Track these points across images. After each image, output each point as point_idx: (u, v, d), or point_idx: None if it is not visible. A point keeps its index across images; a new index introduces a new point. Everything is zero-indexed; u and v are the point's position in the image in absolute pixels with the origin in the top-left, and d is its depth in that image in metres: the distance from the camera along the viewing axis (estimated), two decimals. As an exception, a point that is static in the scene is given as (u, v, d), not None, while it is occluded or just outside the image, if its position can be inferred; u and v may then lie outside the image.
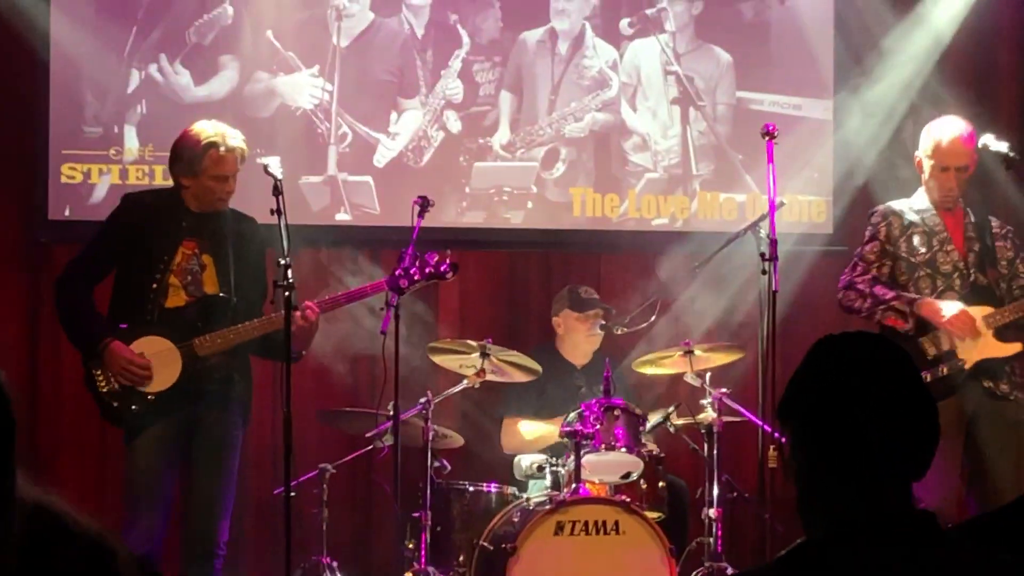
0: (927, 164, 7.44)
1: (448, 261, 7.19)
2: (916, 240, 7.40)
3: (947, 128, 7.49)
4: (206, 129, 7.01)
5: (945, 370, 7.19)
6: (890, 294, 7.31)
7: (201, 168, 6.93)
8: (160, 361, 6.80)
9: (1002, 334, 7.30)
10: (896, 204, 7.58)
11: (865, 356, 2.66)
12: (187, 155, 6.97)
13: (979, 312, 7.27)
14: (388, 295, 7.24)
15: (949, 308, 7.22)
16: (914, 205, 7.51)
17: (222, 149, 6.94)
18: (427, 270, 7.12)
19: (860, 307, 7.39)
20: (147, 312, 6.87)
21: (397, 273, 7.10)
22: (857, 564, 2.49)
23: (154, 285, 6.87)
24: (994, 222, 7.56)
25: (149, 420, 6.79)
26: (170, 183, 7.15)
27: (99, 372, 6.78)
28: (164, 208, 7.01)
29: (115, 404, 6.81)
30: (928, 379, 7.04)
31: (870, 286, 7.36)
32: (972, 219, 7.51)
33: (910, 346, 7.09)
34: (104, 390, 6.79)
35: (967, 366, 7.22)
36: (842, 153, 9.27)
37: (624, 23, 9.24)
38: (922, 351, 7.21)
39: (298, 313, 6.85)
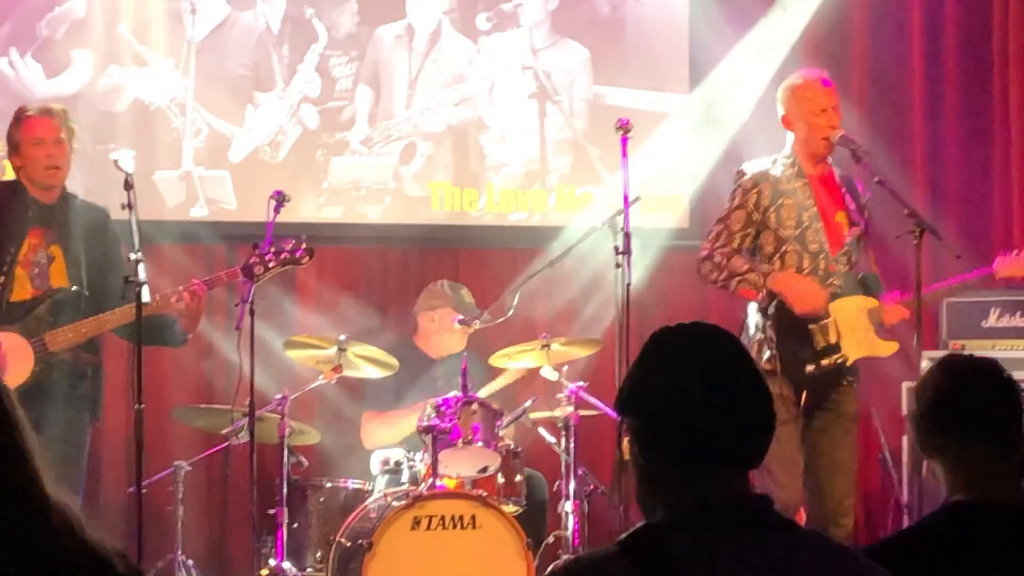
0: (797, 115, 7.29)
1: (303, 247, 7.12)
2: (786, 213, 7.21)
3: (803, 75, 7.45)
4: (25, 106, 7.11)
5: (827, 364, 7.16)
6: (745, 266, 7.17)
7: (20, 138, 6.95)
8: (14, 356, 6.75)
9: (884, 332, 7.29)
10: (767, 167, 7.33)
11: (697, 348, 2.68)
12: (8, 134, 7.04)
13: (863, 304, 7.22)
14: (243, 292, 7.21)
15: (774, 278, 7.15)
16: (784, 172, 7.29)
17: (31, 112, 6.99)
18: (282, 255, 7.07)
19: (716, 278, 7.21)
20: None
21: (252, 260, 7.04)
22: (692, 547, 2.51)
23: (1, 278, 6.80)
24: (861, 187, 7.44)
25: None
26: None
27: None
28: (8, 198, 6.97)
29: None
30: (812, 371, 7.06)
31: (727, 258, 7.21)
32: (843, 183, 7.40)
33: (801, 333, 7.10)
34: None
35: (848, 363, 7.17)
36: (699, 147, 9.31)
37: (481, 18, 9.27)
38: (812, 340, 7.17)
39: (184, 293, 6.83)
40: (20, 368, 6.74)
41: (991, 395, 3.51)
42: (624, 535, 2.57)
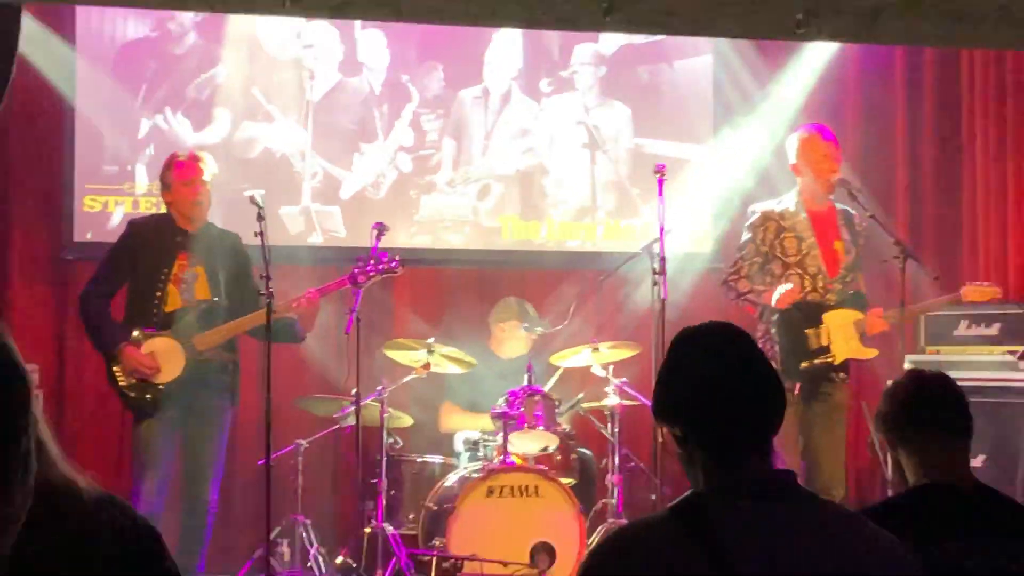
0: (804, 164, 7.40)
1: (396, 259, 7.22)
2: (787, 243, 7.37)
3: (808, 129, 7.52)
4: (176, 152, 7.19)
5: (819, 362, 7.22)
6: (747, 289, 7.37)
7: (170, 179, 7.03)
8: (167, 357, 6.83)
9: (867, 341, 7.34)
10: (771, 207, 7.49)
11: (714, 351, 2.65)
12: (161, 175, 7.11)
13: (850, 317, 7.29)
14: (351, 303, 7.28)
15: (777, 294, 7.20)
16: (788, 209, 7.42)
17: (179, 157, 7.07)
18: (380, 267, 7.16)
19: (731, 298, 7.50)
20: (153, 316, 6.89)
21: (356, 271, 7.14)
22: (731, 515, 2.49)
23: (158, 293, 6.90)
24: (856, 218, 7.52)
25: (157, 406, 6.81)
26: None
27: (118, 370, 6.80)
28: (161, 229, 7.05)
29: (133, 395, 6.85)
30: (805, 367, 7.13)
31: (736, 283, 7.43)
32: (841, 218, 7.48)
33: (799, 337, 7.17)
34: (123, 384, 6.84)
35: (836, 362, 7.25)
36: (720, 188, 9.30)
37: (544, 83, 9.25)
38: (806, 342, 7.23)
39: (301, 299, 6.95)
40: (174, 365, 6.83)
41: (948, 400, 3.53)
42: (674, 501, 2.56)
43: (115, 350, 6.81)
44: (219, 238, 7.13)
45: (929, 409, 3.52)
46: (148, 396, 6.82)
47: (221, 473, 7.00)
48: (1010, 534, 3.34)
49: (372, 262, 7.20)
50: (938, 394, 3.56)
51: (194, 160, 7.05)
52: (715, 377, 2.60)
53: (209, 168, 7.07)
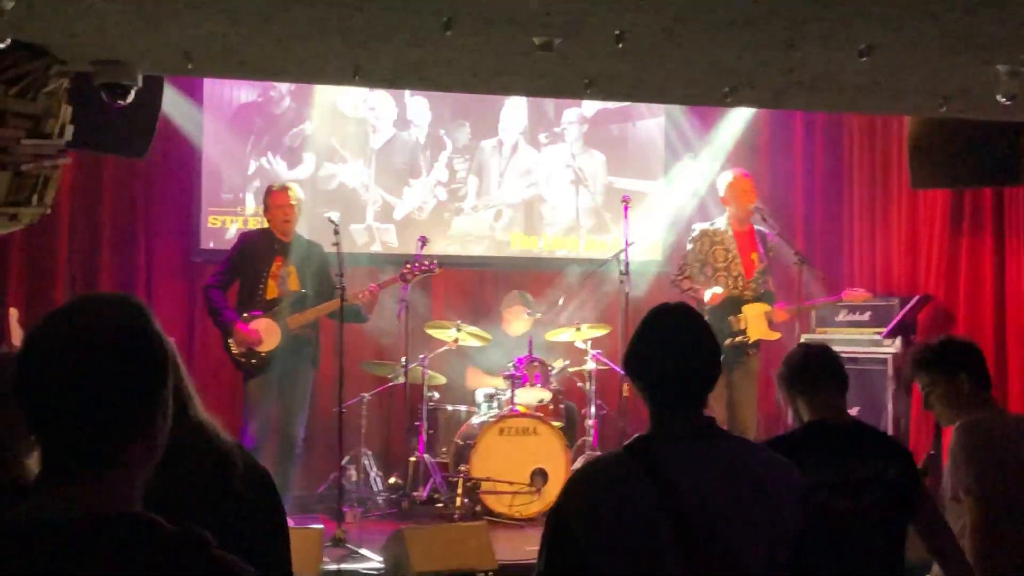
0: (731, 197, 7.42)
1: (435, 263, 7.27)
2: (717, 254, 7.39)
3: (732, 172, 7.58)
4: (273, 183, 7.21)
5: (739, 340, 7.26)
6: (688, 286, 7.38)
7: (268, 204, 7.05)
8: (267, 333, 6.84)
9: (773, 326, 7.38)
10: (708, 226, 7.51)
11: (673, 324, 2.60)
12: (264, 200, 7.14)
13: (761, 308, 7.33)
14: (402, 294, 7.31)
15: (710, 293, 7.26)
16: (718, 228, 7.44)
17: (275, 187, 7.07)
18: (423, 267, 7.19)
19: (677, 290, 7.48)
20: (258, 302, 6.91)
21: (404, 271, 7.18)
22: (669, 451, 2.49)
23: (261, 286, 6.92)
24: (769, 235, 7.53)
25: (261, 368, 6.81)
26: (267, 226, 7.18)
27: (232, 342, 6.82)
28: (263, 240, 7.06)
29: (242, 360, 6.86)
30: (728, 344, 7.15)
31: (680, 281, 7.46)
32: (758, 236, 7.48)
33: (724, 322, 7.20)
34: (236, 353, 6.85)
35: (750, 340, 7.29)
36: (669, 213, 9.31)
37: (542, 136, 9.25)
38: (730, 326, 7.27)
39: (365, 291, 6.98)
40: (273, 339, 6.85)
41: (828, 362, 3.55)
42: (627, 442, 2.55)
43: (231, 327, 6.83)
44: (306, 246, 7.13)
45: (815, 368, 3.54)
46: (254, 361, 6.84)
47: (306, 418, 7.01)
48: (867, 455, 3.38)
49: (416, 264, 7.23)
50: (822, 358, 3.58)
51: (284, 190, 7.06)
52: (670, 345, 2.56)
53: (296, 195, 7.08)
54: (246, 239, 7.19)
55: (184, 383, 2.50)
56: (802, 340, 7.50)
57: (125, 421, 1.59)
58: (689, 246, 7.54)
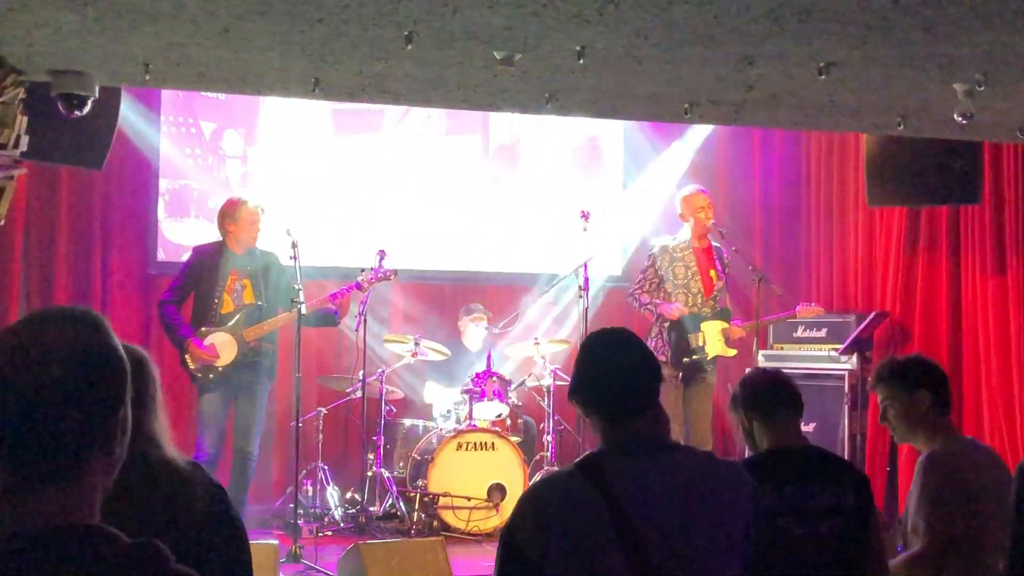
0: (688, 213, 7.45)
1: (392, 270, 7.21)
2: (677, 270, 7.41)
3: (689, 188, 7.63)
4: (240, 196, 7.07)
5: (697, 357, 7.29)
6: (647, 301, 7.39)
7: (237, 218, 6.92)
8: (224, 347, 6.77)
9: (731, 343, 7.41)
10: (666, 242, 7.51)
11: (612, 349, 2.66)
12: (231, 210, 6.96)
13: (719, 326, 7.37)
14: (360, 307, 7.28)
15: (669, 308, 7.28)
16: (679, 244, 7.45)
17: (251, 204, 6.96)
18: (379, 274, 7.15)
19: (635, 307, 7.52)
20: (212, 316, 6.84)
21: (360, 279, 7.13)
22: (619, 465, 2.52)
23: (216, 300, 6.85)
24: (725, 253, 7.56)
25: (217, 382, 6.75)
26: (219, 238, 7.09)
27: (188, 357, 6.75)
28: (217, 253, 6.96)
29: (199, 375, 6.76)
30: (687, 361, 7.19)
31: (639, 296, 7.45)
32: (716, 253, 7.51)
33: (683, 339, 7.23)
34: (192, 368, 6.76)
35: (708, 357, 7.33)
36: (629, 229, 9.35)
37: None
38: (688, 343, 7.30)
39: (338, 295, 6.97)
40: (229, 353, 6.76)
41: (783, 388, 3.55)
42: (578, 459, 2.58)
43: (186, 344, 6.77)
44: (260, 256, 7.05)
45: (772, 392, 3.54)
46: (211, 376, 6.77)
47: (261, 431, 6.95)
48: (825, 481, 3.38)
49: (374, 271, 7.18)
50: (778, 382, 3.59)
51: (257, 206, 6.95)
52: (604, 364, 2.63)
53: (263, 211, 7.03)
54: (200, 253, 7.10)
55: (150, 399, 2.53)
56: (759, 357, 7.58)
57: (84, 436, 1.60)
58: (648, 261, 7.56)
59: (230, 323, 6.86)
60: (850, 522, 3.34)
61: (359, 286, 7.15)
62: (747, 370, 3.88)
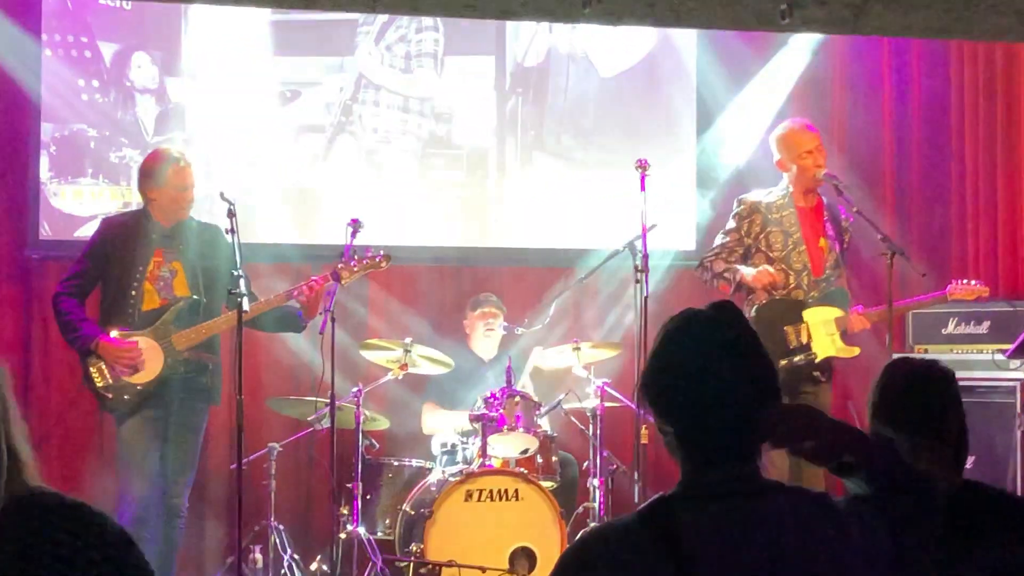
0: (789, 160, 7.41)
1: (382, 253, 7.25)
2: (774, 238, 7.36)
3: (790, 124, 7.56)
4: (167, 149, 7.07)
5: (799, 360, 7.21)
6: (723, 266, 7.37)
7: (164, 179, 6.92)
8: (146, 356, 6.79)
9: (850, 338, 7.34)
10: (762, 198, 7.49)
11: (706, 336, 2.60)
12: (153, 170, 6.97)
13: (831, 314, 7.29)
14: (326, 302, 7.25)
15: (754, 271, 7.25)
16: (776, 202, 7.43)
17: (181, 163, 6.96)
18: (364, 261, 7.15)
19: (704, 278, 7.52)
20: (129, 315, 6.85)
21: (340, 266, 7.11)
22: (696, 517, 2.50)
23: (133, 292, 6.86)
24: (844, 214, 7.53)
25: (137, 407, 6.77)
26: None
27: (95, 370, 6.75)
28: (135, 226, 6.98)
29: (110, 396, 6.80)
30: (784, 365, 7.10)
31: (712, 262, 7.44)
32: (828, 213, 7.48)
33: (777, 334, 7.14)
34: (100, 385, 6.78)
35: (817, 360, 7.24)
36: (705, 182, 9.32)
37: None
38: (785, 339, 7.22)
39: (305, 287, 6.99)
40: (153, 365, 6.81)
41: (943, 391, 3.54)
42: (644, 505, 2.56)
43: (92, 345, 6.75)
44: (197, 232, 7.06)
45: (917, 401, 3.52)
46: (126, 397, 6.78)
47: (193, 479, 6.95)
48: (983, 533, 3.34)
49: (356, 258, 7.17)
50: (931, 385, 3.60)
51: (190, 167, 7.01)
52: (704, 371, 2.55)
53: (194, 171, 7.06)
54: (111, 226, 7.13)
55: (13, 438, 2.58)
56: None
57: None
58: (732, 223, 7.47)
59: (154, 324, 6.86)
60: None
61: (336, 276, 7.11)
62: (894, 356, 3.79)
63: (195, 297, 6.94)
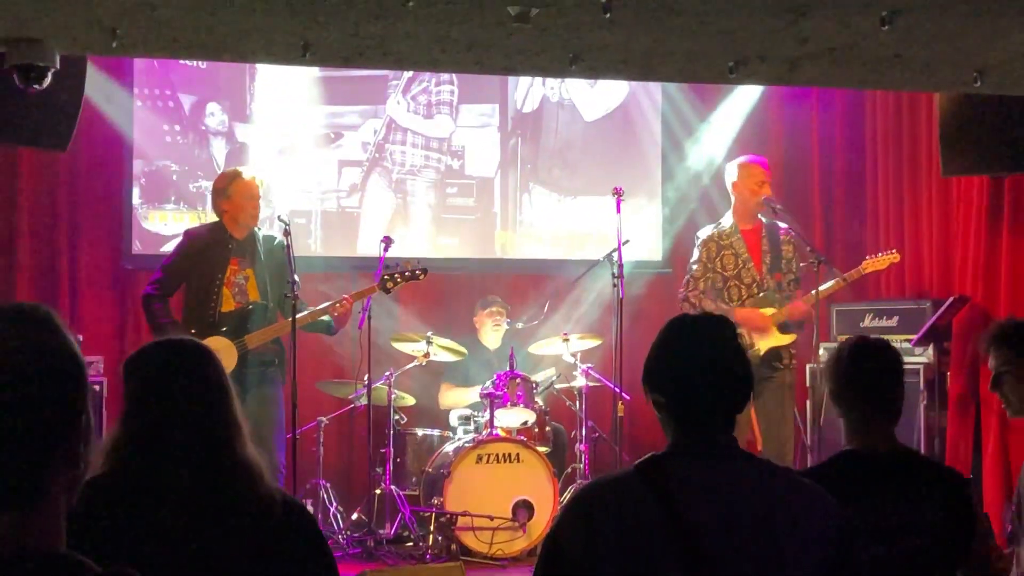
0: (742, 185, 7.37)
1: (421, 267, 7.20)
2: (726, 260, 7.35)
3: (747, 158, 7.52)
4: (234, 168, 6.99)
5: (751, 355, 7.20)
6: (711, 306, 7.24)
7: (232, 194, 6.82)
8: (221, 355, 6.65)
9: (782, 328, 7.33)
10: (712, 230, 7.44)
11: (702, 330, 2.65)
12: (223, 185, 6.87)
13: (766, 313, 7.28)
14: (363, 302, 7.25)
15: (747, 315, 7.18)
16: (725, 231, 7.37)
17: (245, 175, 6.88)
18: (406, 274, 7.11)
19: (693, 313, 7.38)
20: (209, 315, 6.73)
21: (384, 277, 7.07)
22: (683, 471, 2.52)
23: (213, 295, 6.75)
24: (782, 227, 7.45)
25: None
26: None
27: None
28: (214, 237, 6.87)
29: None
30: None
31: (699, 300, 7.32)
32: (765, 232, 7.43)
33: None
34: None
35: (760, 353, 7.24)
36: (668, 206, 9.33)
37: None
38: (743, 340, 7.22)
39: (339, 305, 6.85)
40: (227, 361, 6.60)
41: (888, 365, 3.44)
42: (639, 461, 2.56)
43: None
44: (264, 242, 6.91)
45: (866, 373, 3.41)
46: None
47: (284, 441, 6.75)
48: (911, 491, 3.30)
49: (399, 270, 7.08)
50: (876, 359, 3.46)
51: (253, 178, 6.88)
52: (698, 355, 2.60)
53: (263, 184, 6.99)
54: (192, 237, 6.98)
55: (230, 414, 2.76)
56: (820, 351, 7.47)
57: (43, 451, 1.59)
58: (696, 255, 7.46)
59: (230, 324, 6.75)
60: (938, 539, 3.25)
61: (383, 286, 7.06)
62: (839, 344, 3.67)
63: (263, 302, 6.82)
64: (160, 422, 2.65)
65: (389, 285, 7.09)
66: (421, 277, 7.22)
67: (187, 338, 2.85)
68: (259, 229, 6.97)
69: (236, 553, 2.58)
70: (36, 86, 4.98)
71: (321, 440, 7.80)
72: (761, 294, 7.31)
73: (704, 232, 7.52)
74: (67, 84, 5.47)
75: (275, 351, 6.87)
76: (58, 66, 5.01)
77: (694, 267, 7.42)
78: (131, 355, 2.78)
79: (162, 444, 2.62)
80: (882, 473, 3.32)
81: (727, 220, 7.44)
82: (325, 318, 6.94)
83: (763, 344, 7.27)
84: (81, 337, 7.50)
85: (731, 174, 7.49)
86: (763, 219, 7.46)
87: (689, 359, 2.59)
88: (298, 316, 6.68)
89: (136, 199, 8.53)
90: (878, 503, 3.24)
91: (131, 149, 8.45)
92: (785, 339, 7.33)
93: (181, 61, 8.32)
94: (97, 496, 2.50)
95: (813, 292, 7.31)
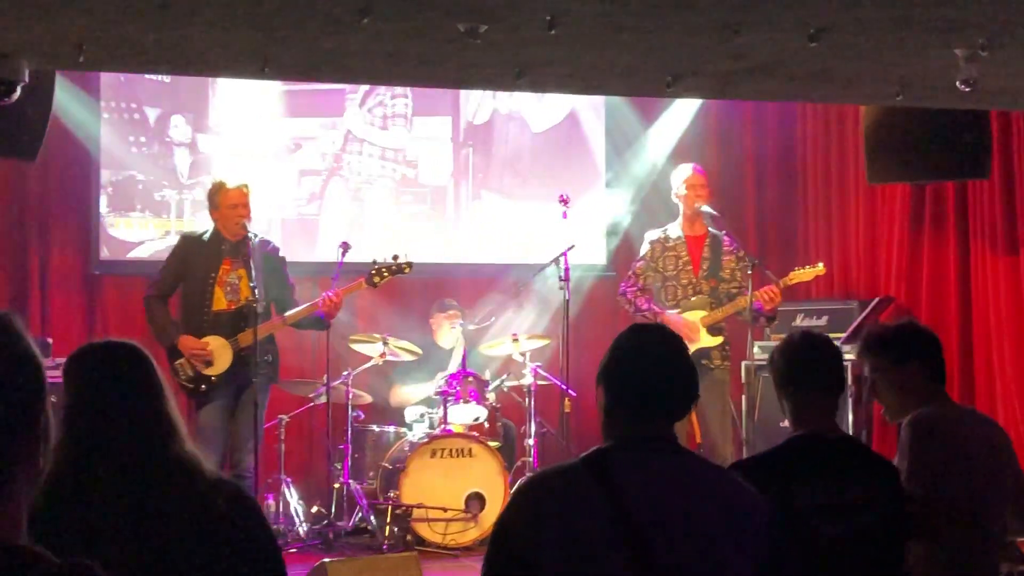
0: (684, 193, 7.32)
1: (406, 262, 7.08)
2: (668, 262, 7.34)
3: (688, 166, 7.46)
4: (221, 179, 6.86)
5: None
6: (645, 306, 7.21)
7: (219, 201, 6.76)
8: (217, 353, 6.60)
9: (711, 331, 7.29)
10: (660, 233, 7.40)
11: (649, 347, 2.67)
12: (211, 197, 6.80)
13: (697, 315, 7.26)
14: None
15: (673, 320, 7.11)
16: (671, 235, 7.35)
17: (229, 185, 6.77)
18: (392, 267, 7.05)
19: (627, 309, 7.37)
20: (203, 314, 6.66)
21: (371, 272, 7.02)
22: (625, 462, 2.53)
23: (206, 295, 6.67)
24: (726, 240, 7.41)
25: (212, 395, 6.60)
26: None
27: (179, 366, 6.55)
28: (208, 239, 6.78)
29: (191, 386, 6.58)
30: None
31: (635, 296, 7.29)
32: (708, 241, 7.39)
33: None
34: (183, 379, 6.59)
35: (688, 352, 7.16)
36: (613, 214, 9.36)
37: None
38: None
39: (329, 298, 6.72)
40: (223, 359, 6.59)
41: (829, 357, 3.41)
42: (584, 454, 2.58)
43: (175, 339, 6.57)
44: (258, 246, 6.78)
45: (812, 365, 3.39)
46: (203, 387, 6.59)
47: (257, 444, 6.59)
48: (859, 473, 3.31)
49: (384, 266, 7.01)
50: (820, 351, 3.42)
51: (238, 187, 6.74)
52: (651, 357, 2.64)
53: (249, 191, 6.80)
54: (187, 239, 6.91)
55: (164, 413, 2.65)
56: (754, 349, 7.50)
57: (3, 449, 1.59)
58: (641, 252, 7.45)
59: (223, 323, 6.68)
60: (887, 515, 3.28)
61: (370, 281, 7.00)
62: (786, 335, 3.67)
63: (255, 301, 6.59)
64: (95, 423, 2.59)
65: (376, 280, 7.04)
66: (407, 271, 7.13)
67: (124, 340, 2.76)
68: (255, 236, 6.79)
69: (175, 551, 2.53)
70: (5, 99, 4.94)
71: (282, 437, 7.76)
72: (694, 297, 7.31)
73: (652, 234, 7.50)
74: (36, 97, 5.43)
75: (269, 349, 6.79)
76: (27, 80, 4.98)
77: (638, 264, 7.44)
78: (68, 358, 2.72)
79: (98, 445, 2.57)
80: (833, 455, 3.33)
81: (675, 225, 7.43)
82: (316, 315, 6.85)
83: (693, 345, 7.25)
84: (51, 340, 7.46)
85: (674, 183, 7.48)
86: (711, 229, 7.44)
87: (644, 363, 2.63)
88: (289, 313, 6.73)
89: (104, 207, 8.45)
90: (831, 483, 3.25)
91: (99, 159, 8.39)
92: (712, 341, 7.29)
93: (146, 75, 8.26)
94: (39, 497, 2.47)
95: (748, 295, 7.30)
